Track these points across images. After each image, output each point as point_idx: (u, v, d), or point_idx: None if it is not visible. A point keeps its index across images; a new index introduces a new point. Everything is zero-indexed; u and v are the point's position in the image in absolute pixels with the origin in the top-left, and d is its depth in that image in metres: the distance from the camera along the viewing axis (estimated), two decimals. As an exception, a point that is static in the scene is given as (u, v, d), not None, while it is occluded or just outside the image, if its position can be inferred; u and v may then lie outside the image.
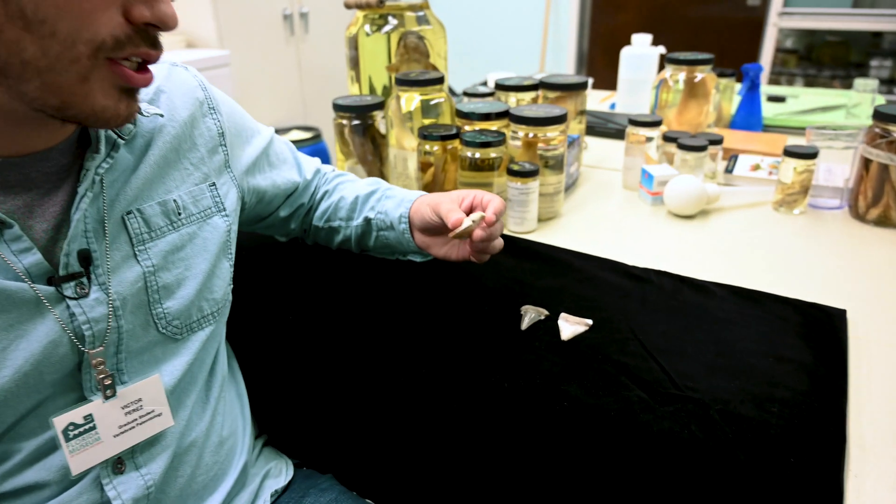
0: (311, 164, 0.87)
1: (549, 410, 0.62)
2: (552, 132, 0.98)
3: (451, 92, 1.01)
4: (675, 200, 1.01)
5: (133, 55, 0.46)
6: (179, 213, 0.60)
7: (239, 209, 0.70)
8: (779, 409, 0.59)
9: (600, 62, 3.50)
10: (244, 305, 0.82)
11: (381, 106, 1.08)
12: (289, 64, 3.09)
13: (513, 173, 0.95)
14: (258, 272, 0.87)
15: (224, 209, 0.65)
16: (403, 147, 1.09)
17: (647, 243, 0.94)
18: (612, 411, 0.60)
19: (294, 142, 2.96)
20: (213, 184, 0.64)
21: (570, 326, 0.71)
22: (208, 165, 0.64)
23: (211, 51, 2.61)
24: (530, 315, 0.73)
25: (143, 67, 0.48)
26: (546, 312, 0.74)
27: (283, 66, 3.06)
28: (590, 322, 0.72)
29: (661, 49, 1.60)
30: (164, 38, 0.51)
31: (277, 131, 3.26)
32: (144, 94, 0.59)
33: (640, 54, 1.59)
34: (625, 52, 1.60)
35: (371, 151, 1.11)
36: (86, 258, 0.52)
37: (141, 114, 0.56)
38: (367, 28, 1.12)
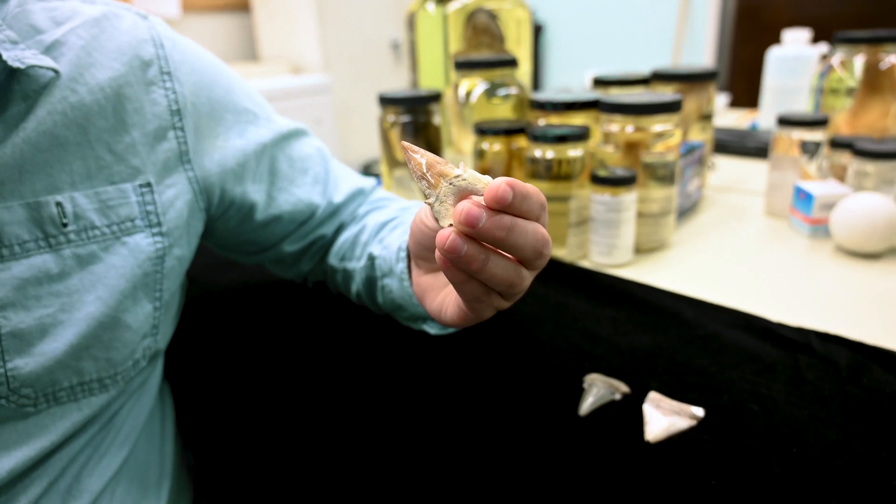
0: (351, 182, 0.59)
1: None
2: (661, 124, 0.69)
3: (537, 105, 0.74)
4: (851, 231, 0.68)
5: None
6: (65, 225, 0.40)
7: (198, 228, 0.49)
8: None
9: (739, 88, 3.08)
10: (211, 354, 0.61)
11: (437, 98, 0.85)
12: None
13: (599, 181, 0.67)
14: (224, 312, 0.65)
15: (159, 224, 0.44)
16: (462, 150, 0.85)
17: (803, 291, 0.62)
18: None
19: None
20: (149, 184, 0.43)
21: (664, 417, 0.42)
22: (144, 156, 0.43)
23: (311, 76, 2.56)
24: (598, 391, 0.45)
25: None
26: (625, 389, 0.45)
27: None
28: (700, 412, 0.43)
29: (823, 48, 1.25)
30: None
31: (374, 163, 3.12)
32: (38, 39, 0.41)
33: (793, 55, 1.25)
34: (773, 54, 1.27)
35: (424, 157, 0.88)
36: None
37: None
38: (429, 6, 0.90)
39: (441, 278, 0.41)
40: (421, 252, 0.40)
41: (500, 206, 0.29)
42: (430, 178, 0.31)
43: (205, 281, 0.68)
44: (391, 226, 0.51)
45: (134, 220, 0.43)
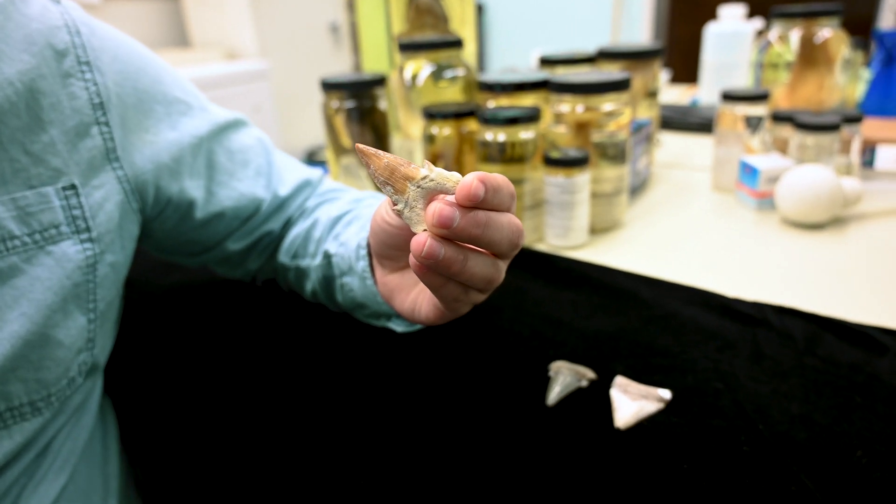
0: (297, 173, 0.56)
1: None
2: (611, 103, 0.69)
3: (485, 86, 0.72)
4: (796, 203, 0.69)
5: None
6: None
7: (133, 231, 0.45)
8: None
9: (677, 64, 3.15)
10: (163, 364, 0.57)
11: (382, 82, 0.82)
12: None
13: (552, 162, 0.66)
14: (168, 316, 0.62)
15: (88, 229, 0.40)
16: (410, 135, 0.83)
17: (754, 264, 0.63)
18: None
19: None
20: (73, 186, 0.39)
21: (632, 402, 0.41)
22: (66, 155, 0.39)
23: (247, 62, 2.47)
24: (564, 379, 0.44)
25: None
26: (591, 375, 0.45)
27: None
28: (667, 395, 0.42)
29: (758, 23, 1.28)
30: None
31: (318, 150, 3.08)
32: None
33: (730, 31, 1.27)
34: (710, 30, 1.29)
35: (372, 143, 0.85)
36: None
37: None
38: (368, -13, 0.87)
39: (409, 277, 0.39)
40: (385, 251, 0.38)
41: (473, 203, 0.28)
42: (394, 183, 0.29)
43: (144, 284, 0.64)
44: (346, 220, 0.49)
45: (59, 227, 0.39)
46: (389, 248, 0.38)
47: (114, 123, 0.42)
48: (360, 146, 0.29)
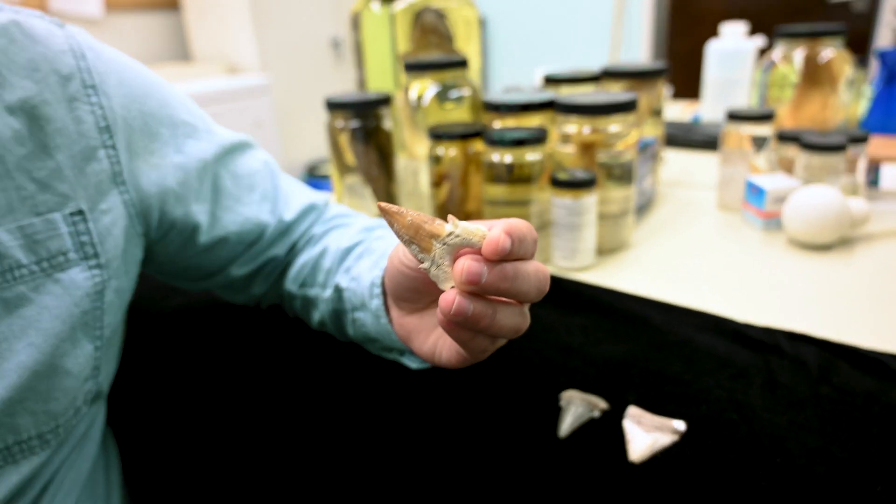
0: (303, 197, 0.55)
1: None
2: (617, 124, 0.68)
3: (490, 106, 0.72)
4: (803, 224, 0.69)
5: None
6: None
7: (137, 255, 0.45)
8: None
9: (677, 80, 3.16)
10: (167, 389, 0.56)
11: (387, 101, 0.82)
12: (336, 92, 2.94)
13: (560, 184, 0.66)
14: (169, 341, 0.61)
15: (96, 255, 0.39)
16: (415, 155, 0.82)
17: (763, 286, 0.62)
18: None
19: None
20: (81, 212, 0.39)
21: (646, 434, 0.41)
22: (73, 181, 0.39)
23: (248, 77, 2.48)
24: (576, 409, 0.44)
25: None
26: (604, 405, 0.44)
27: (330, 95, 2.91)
28: (681, 426, 0.42)
29: (760, 41, 1.28)
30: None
31: (318, 165, 3.07)
32: None
33: (732, 49, 1.27)
34: (712, 47, 1.29)
35: (376, 162, 0.85)
36: None
37: None
38: (373, 6, 0.87)
39: (428, 319, 0.38)
40: (402, 294, 0.38)
41: (500, 257, 0.27)
42: (420, 241, 0.29)
43: (146, 308, 0.64)
44: (357, 252, 0.48)
45: (66, 254, 0.38)
46: (407, 291, 0.37)
47: (120, 147, 0.41)
48: (383, 205, 0.29)
